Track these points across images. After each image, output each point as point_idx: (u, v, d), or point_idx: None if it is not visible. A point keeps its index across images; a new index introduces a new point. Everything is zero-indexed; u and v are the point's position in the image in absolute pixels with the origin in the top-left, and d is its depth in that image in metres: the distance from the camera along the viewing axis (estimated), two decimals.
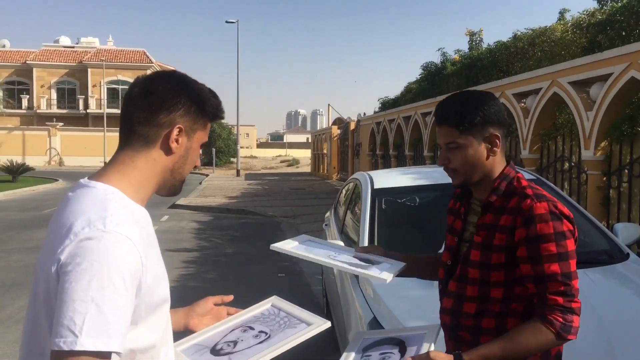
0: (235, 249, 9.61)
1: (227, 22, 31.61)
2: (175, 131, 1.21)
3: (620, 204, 6.75)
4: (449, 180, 4.09)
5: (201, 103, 1.25)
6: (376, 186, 3.90)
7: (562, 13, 10.22)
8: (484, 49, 11.93)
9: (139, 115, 1.20)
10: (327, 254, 1.85)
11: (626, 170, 6.56)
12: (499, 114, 1.64)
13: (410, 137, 14.61)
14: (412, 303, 2.84)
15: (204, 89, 1.29)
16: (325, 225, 5.45)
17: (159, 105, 1.20)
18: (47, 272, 1.05)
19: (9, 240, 10.26)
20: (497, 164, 1.66)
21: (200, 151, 1.32)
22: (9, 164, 25.13)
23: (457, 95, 1.68)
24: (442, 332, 1.72)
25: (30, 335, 1.11)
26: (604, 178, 6.88)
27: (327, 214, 5.90)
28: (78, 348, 0.95)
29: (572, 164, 7.77)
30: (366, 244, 3.40)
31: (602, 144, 6.84)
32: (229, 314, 1.60)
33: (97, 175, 1.20)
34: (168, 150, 1.22)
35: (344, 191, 5.26)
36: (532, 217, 1.53)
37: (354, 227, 4.15)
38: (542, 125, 8.19)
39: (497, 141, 1.63)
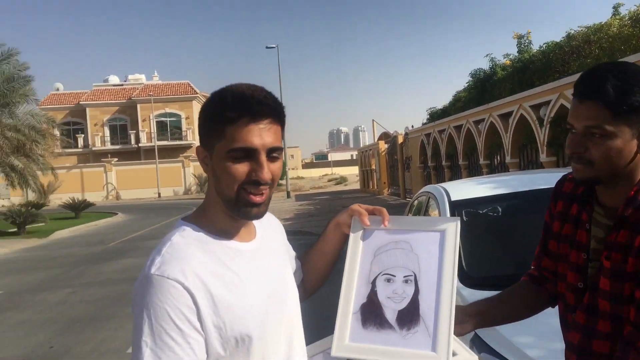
0: None
1: (267, 47, 32.22)
2: (199, 154, 1.18)
3: None
4: (530, 187, 3.95)
5: (214, 110, 1.13)
6: (453, 198, 3.82)
7: (616, 8, 9.90)
8: (535, 51, 11.67)
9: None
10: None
11: None
12: None
13: (463, 146, 14.39)
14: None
15: (230, 92, 1.12)
16: None
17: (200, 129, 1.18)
18: None
19: (81, 275, 10.63)
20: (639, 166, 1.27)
21: (235, 161, 1.10)
22: (71, 201, 26.23)
23: (613, 65, 1.23)
24: None
25: None
26: None
27: None
28: None
29: None
30: None
31: None
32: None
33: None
34: (210, 176, 1.17)
35: (413, 205, 5.19)
36: None
37: None
38: None
39: None
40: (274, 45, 32.11)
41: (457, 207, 3.72)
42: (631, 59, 7.11)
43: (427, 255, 1.32)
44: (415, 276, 1.30)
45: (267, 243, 1.27)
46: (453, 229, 1.34)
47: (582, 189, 1.41)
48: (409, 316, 1.27)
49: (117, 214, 26.92)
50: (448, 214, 3.65)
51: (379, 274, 1.32)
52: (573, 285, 1.41)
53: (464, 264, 3.26)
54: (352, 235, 1.38)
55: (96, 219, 24.14)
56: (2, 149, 21.93)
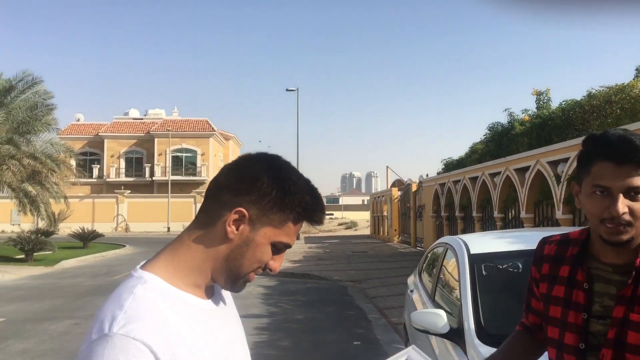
0: (305, 315, 9.45)
1: (287, 90, 32.73)
2: (234, 215, 1.04)
3: None
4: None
5: (284, 195, 1.06)
6: (473, 251, 3.74)
7: (639, 70, 9.96)
8: (554, 108, 11.72)
9: (212, 191, 1.09)
10: None
11: None
12: None
13: (477, 198, 14.30)
14: None
15: (298, 183, 1.09)
16: (411, 291, 5.27)
17: (231, 183, 1.07)
18: None
19: (85, 306, 10.51)
20: None
21: (274, 253, 1.10)
22: (80, 230, 26.27)
23: (626, 131, 1.37)
24: None
25: None
26: None
27: (410, 279, 5.72)
28: None
29: None
30: (471, 313, 3.23)
31: None
32: None
33: (153, 256, 1.10)
34: (225, 235, 1.05)
35: (429, 256, 5.11)
36: None
37: (448, 295, 3.98)
38: None
39: None
40: (294, 88, 32.62)
41: (477, 261, 3.64)
42: None
43: None
44: None
45: (223, 301, 1.19)
46: None
47: (577, 250, 1.47)
48: None
49: (125, 246, 26.88)
50: (467, 267, 3.58)
51: None
52: (573, 347, 1.42)
53: (481, 320, 3.16)
54: None
55: (104, 250, 24.09)
56: (17, 175, 22.20)
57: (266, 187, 1.05)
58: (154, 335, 0.94)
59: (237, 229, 1.05)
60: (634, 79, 9.72)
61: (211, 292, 1.14)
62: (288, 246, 1.10)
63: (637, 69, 9.96)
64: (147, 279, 1.03)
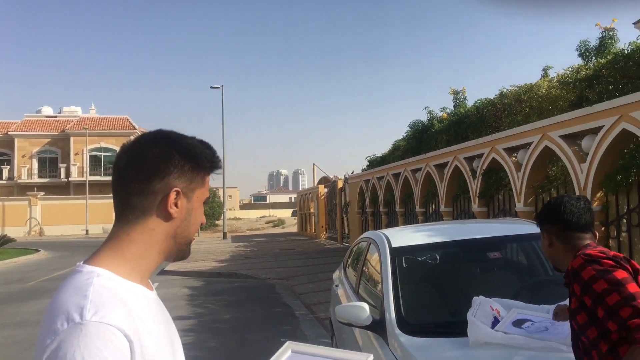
0: (232, 315, 9.37)
1: (211, 87, 32.14)
2: (173, 195, 1.13)
3: (621, 253, 6.78)
4: (466, 236, 4.07)
5: (195, 159, 1.17)
6: (394, 245, 3.87)
7: (545, 70, 10.62)
8: (470, 106, 12.25)
9: (131, 187, 1.12)
10: None
11: (624, 220, 6.64)
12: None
13: (400, 193, 14.71)
14: None
15: (195, 143, 1.19)
16: (336, 286, 5.36)
17: (151, 173, 1.12)
18: None
19: None
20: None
21: (205, 207, 1.25)
22: None
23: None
24: None
25: None
26: (603, 228, 6.94)
27: (335, 274, 5.82)
28: None
29: None
30: (392, 304, 3.34)
31: (598, 195, 6.94)
32: None
33: (92, 255, 1.11)
34: (167, 217, 1.13)
35: (353, 250, 5.22)
36: (575, 272, 1.88)
37: (371, 288, 4.09)
38: (535, 178, 8.31)
39: None
40: (219, 86, 32.10)
41: (398, 254, 3.77)
42: (558, 118, 7.58)
43: None
44: None
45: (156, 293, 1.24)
46: None
47: None
48: None
49: (39, 250, 25.41)
50: (389, 260, 3.69)
51: None
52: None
53: (402, 310, 3.28)
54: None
55: (16, 256, 22.63)
56: None
57: (179, 160, 1.14)
58: (125, 321, 0.98)
59: (177, 207, 1.14)
60: (540, 78, 10.37)
61: (151, 285, 1.19)
62: (208, 197, 1.24)
63: (543, 69, 10.63)
64: (100, 272, 1.05)
